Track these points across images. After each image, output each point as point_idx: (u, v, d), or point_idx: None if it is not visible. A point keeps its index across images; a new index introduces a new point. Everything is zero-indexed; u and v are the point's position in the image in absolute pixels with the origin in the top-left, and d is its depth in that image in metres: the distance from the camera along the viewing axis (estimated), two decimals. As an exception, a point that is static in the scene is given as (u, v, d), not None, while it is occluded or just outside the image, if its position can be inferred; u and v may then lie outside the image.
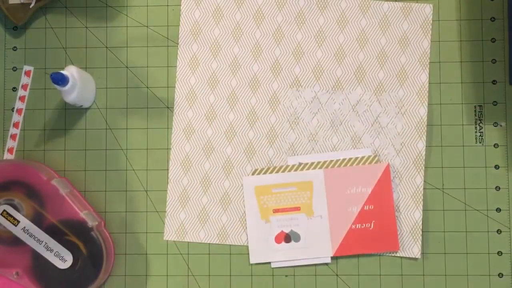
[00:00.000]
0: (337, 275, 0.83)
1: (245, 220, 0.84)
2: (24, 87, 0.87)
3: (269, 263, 0.83)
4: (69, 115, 0.86)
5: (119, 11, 0.87)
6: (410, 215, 0.82)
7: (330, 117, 0.84)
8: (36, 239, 0.79)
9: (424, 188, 0.83)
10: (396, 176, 0.83)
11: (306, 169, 0.83)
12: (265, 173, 0.84)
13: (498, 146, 0.83)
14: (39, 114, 0.86)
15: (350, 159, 0.83)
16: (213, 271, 0.84)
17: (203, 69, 0.86)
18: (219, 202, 0.84)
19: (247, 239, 0.83)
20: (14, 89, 0.87)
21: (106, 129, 0.86)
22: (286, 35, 0.86)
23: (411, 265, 0.82)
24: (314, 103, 0.85)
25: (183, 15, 0.87)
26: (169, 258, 0.84)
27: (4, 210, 0.79)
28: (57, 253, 0.79)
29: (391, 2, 0.85)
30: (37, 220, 0.79)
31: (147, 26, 0.87)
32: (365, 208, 0.82)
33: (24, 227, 0.79)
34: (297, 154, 0.84)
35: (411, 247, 0.82)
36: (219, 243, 0.84)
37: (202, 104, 0.85)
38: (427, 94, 0.84)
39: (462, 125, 0.84)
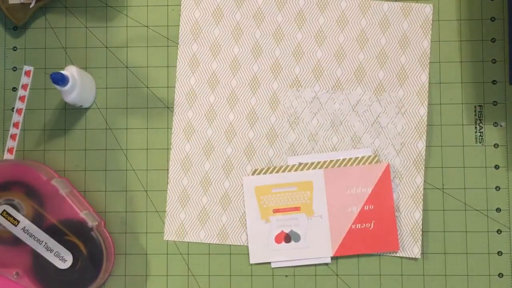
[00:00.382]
0: (337, 275, 0.83)
1: (245, 220, 0.84)
2: (24, 87, 0.87)
3: (269, 263, 0.83)
4: (69, 115, 0.86)
5: (119, 11, 0.87)
6: (410, 215, 0.82)
7: (330, 117, 0.84)
8: (36, 239, 0.79)
9: (424, 188, 0.83)
10: (396, 176, 0.83)
11: (306, 169, 0.83)
12: (265, 173, 0.84)
13: (498, 146, 0.83)
14: (39, 114, 0.86)
15: (350, 159, 0.83)
16: (213, 271, 0.84)
17: (203, 69, 0.86)
18: (219, 202, 0.84)
19: (247, 239, 0.83)
20: (14, 89, 0.87)
21: (106, 129, 0.86)
22: (286, 35, 0.86)
23: (411, 265, 0.82)
24: (314, 103, 0.85)
25: (183, 15, 0.87)
26: (169, 258, 0.84)
27: (4, 210, 0.79)
28: (57, 253, 0.79)
29: (391, 2, 0.85)
30: (37, 220, 0.79)
31: (147, 26, 0.87)
32: (365, 208, 0.82)
33: (24, 227, 0.79)
34: (297, 154, 0.84)
35: (411, 247, 0.82)
36: (219, 243, 0.84)
37: (202, 104, 0.85)
38: (427, 94, 0.84)
39: (462, 125, 0.84)
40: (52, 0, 0.87)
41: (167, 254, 0.84)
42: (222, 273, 0.84)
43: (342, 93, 0.85)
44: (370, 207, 0.82)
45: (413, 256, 0.82)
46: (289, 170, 0.84)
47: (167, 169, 0.85)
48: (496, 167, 0.83)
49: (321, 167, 0.83)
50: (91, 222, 0.80)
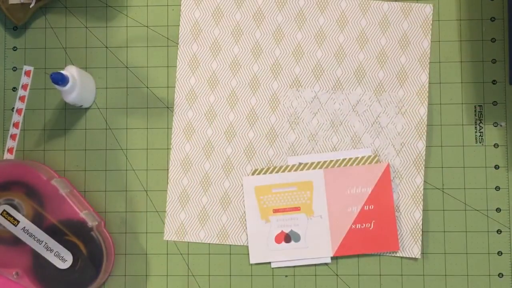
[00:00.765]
0: (337, 275, 0.83)
1: (245, 220, 0.84)
2: (24, 87, 0.87)
3: (269, 263, 0.83)
4: (69, 115, 0.86)
5: (119, 11, 0.87)
6: (410, 215, 0.82)
7: (330, 117, 0.84)
8: (36, 239, 0.79)
9: (424, 188, 0.83)
10: (396, 176, 0.83)
11: (306, 169, 0.83)
12: (265, 173, 0.84)
13: (498, 146, 0.83)
14: (39, 114, 0.86)
15: (350, 159, 0.83)
16: (213, 271, 0.84)
17: (203, 69, 0.86)
18: (219, 202, 0.84)
19: (247, 239, 0.83)
20: (14, 89, 0.87)
21: (106, 129, 0.86)
22: (286, 35, 0.86)
23: (411, 265, 0.82)
24: (314, 103, 0.85)
25: (183, 15, 0.87)
26: (169, 258, 0.84)
27: (4, 210, 0.79)
28: (57, 253, 0.79)
29: (391, 2, 0.85)
30: (37, 220, 0.79)
31: (147, 26, 0.87)
32: (365, 208, 0.82)
33: (24, 227, 0.79)
34: (297, 154, 0.84)
35: (411, 247, 0.82)
36: (219, 243, 0.84)
37: (202, 104, 0.85)
38: (427, 94, 0.84)
39: (462, 125, 0.84)
40: (52, 0, 0.87)
41: (167, 254, 0.84)
42: (222, 273, 0.84)
43: (342, 93, 0.85)
44: (370, 207, 0.82)
45: (413, 256, 0.82)
46: (289, 170, 0.84)
47: (167, 169, 0.85)
48: (496, 167, 0.83)
49: (321, 167, 0.83)
50: (91, 222, 0.80)
